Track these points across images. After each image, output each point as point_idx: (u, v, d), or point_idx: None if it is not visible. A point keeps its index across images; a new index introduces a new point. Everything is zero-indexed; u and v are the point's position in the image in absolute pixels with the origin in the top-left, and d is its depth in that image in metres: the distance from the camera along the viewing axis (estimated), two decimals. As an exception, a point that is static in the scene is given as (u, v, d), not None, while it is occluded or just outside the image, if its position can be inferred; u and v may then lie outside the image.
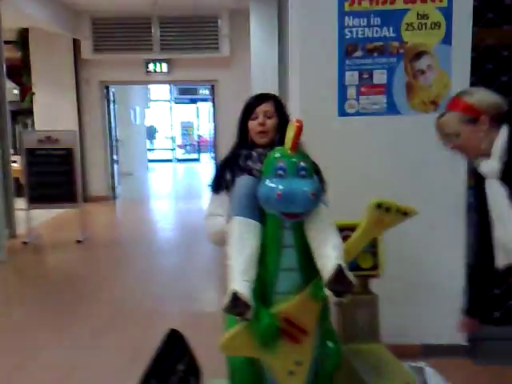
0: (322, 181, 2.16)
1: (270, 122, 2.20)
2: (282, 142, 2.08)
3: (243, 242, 1.75)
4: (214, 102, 10.33)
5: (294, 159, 1.70)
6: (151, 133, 20.78)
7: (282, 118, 2.24)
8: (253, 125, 2.22)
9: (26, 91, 9.70)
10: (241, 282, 1.66)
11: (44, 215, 7.57)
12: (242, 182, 1.92)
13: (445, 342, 2.98)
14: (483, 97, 2.04)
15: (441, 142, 2.15)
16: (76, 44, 9.47)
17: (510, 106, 2.06)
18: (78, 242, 6.41)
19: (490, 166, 2.01)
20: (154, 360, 2.28)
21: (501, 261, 2.10)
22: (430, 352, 2.94)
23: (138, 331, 3.60)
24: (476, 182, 2.17)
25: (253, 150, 2.23)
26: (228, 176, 2.25)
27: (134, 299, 4.41)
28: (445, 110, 2.11)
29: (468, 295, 2.29)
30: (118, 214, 9.56)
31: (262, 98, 2.26)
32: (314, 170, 2.03)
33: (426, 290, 2.98)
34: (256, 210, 1.80)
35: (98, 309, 4.16)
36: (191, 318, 3.83)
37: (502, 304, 3.12)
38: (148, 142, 19.18)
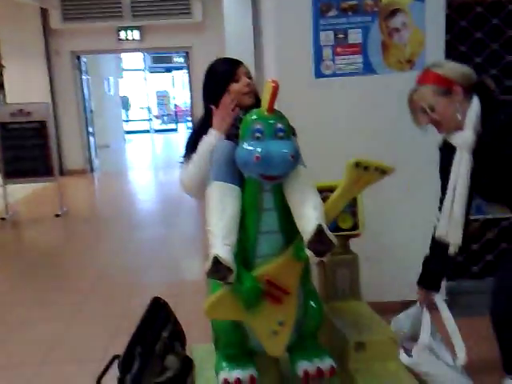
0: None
1: (252, 82, 2.18)
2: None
3: (223, 206, 1.73)
4: (189, 70, 10.18)
5: (271, 121, 1.68)
6: (125, 103, 20.48)
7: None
8: (237, 87, 2.15)
9: (-6, 64, 9.43)
10: (222, 247, 1.66)
11: (21, 191, 7.46)
12: (220, 146, 1.90)
13: (424, 297, 3.04)
14: (453, 67, 2.03)
15: (415, 119, 2.14)
16: (44, 13, 9.19)
17: (479, 76, 2.05)
18: (57, 216, 6.35)
19: (464, 137, 1.99)
20: (138, 328, 2.29)
21: (440, 228, 2.13)
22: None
23: (121, 302, 3.60)
24: (442, 157, 2.17)
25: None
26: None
27: (115, 271, 4.41)
28: (416, 85, 2.09)
29: (424, 266, 2.35)
30: (97, 187, 9.48)
31: (237, 61, 2.20)
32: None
33: (405, 249, 3.03)
34: (235, 174, 1.78)
35: (79, 282, 4.15)
36: (174, 286, 3.84)
37: (479, 258, 3.19)
38: (123, 112, 18.93)
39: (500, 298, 2.24)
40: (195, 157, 2.09)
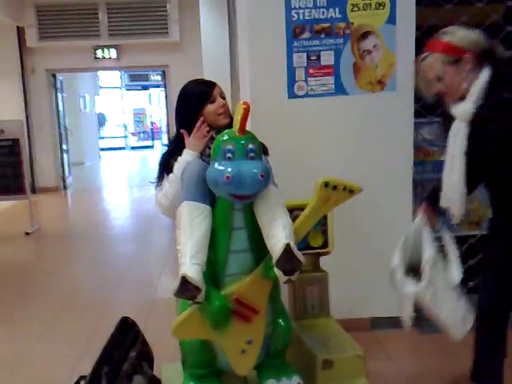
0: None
1: (226, 102, 2.20)
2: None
3: (193, 226, 1.74)
4: (165, 88, 10.20)
5: (242, 141, 1.71)
6: (100, 121, 20.43)
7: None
8: (213, 108, 2.14)
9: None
10: (191, 266, 1.66)
11: (-9, 208, 7.35)
12: (191, 166, 1.90)
13: (392, 314, 3.07)
14: (464, 34, 1.96)
15: (423, 87, 2.05)
16: (20, 32, 9.14)
17: (490, 45, 1.99)
18: (27, 234, 6.24)
19: (463, 109, 1.94)
20: (105, 348, 2.27)
21: (442, 199, 2.09)
22: (378, 324, 3.04)
23: (91, 321, 3.54)
24: (444, 127, 2.08)
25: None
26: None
27: (86, 290, 4.34)
28: (425, 52, 1.98)
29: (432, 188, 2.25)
30: (69, 205, 9.36)
31: (212, 83, 2.21)
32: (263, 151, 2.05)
33: (374, 266, 3.04)
34: (206, 193, 1.79)
35: (48, 300, 4.07)
36: (145, 305, 3.79)
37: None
38: (99, 129, 18.92)
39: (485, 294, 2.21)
40: (171, 176, 2.07)
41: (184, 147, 2.11)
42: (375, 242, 3.04)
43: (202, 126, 2.08)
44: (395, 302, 2.26)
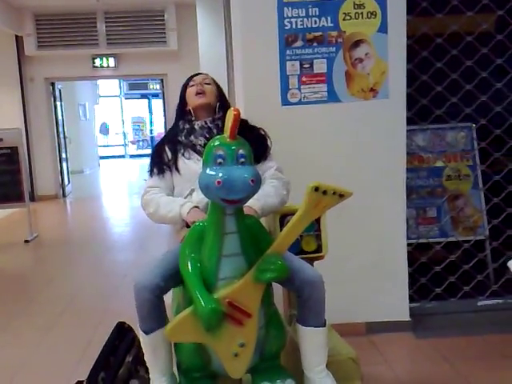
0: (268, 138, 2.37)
1: (208, 87, 2.34)
2: (221, 108, 2.29)
3: (156, 355, 1.97)
4: (164, 96, 10.25)
5: (233, 147, 1.73)
6: (104, 130, 20.63)
7: (220, 90, 2.41)
8: (192, 90, 2.33)
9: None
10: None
11: (-9, 217, 7.37)
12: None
13: (387, 318, 3.10)
14: None
15: None
16: (19, 40, 9.21)
17: None
18: (26, 241, 6.27)
19: None
20: (102, 353, 2.29)
21: None
22: (374, 329, 3.06)
23: (89, 327, 3.56)
24: None
25: (191, 124, 2.29)
26: (169, 155, 2.28)
27: (83, 297, 4.36)
28: None
29: None
30: (68, 213, 9.38)
31: (199, 72, 2.48)
32: (262, 136, 2.31)
33: (369, 271, 3.08)
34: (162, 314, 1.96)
35: (46, 307, 4.09)
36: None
37: (443, 281, 3.26)
38: (103, 137, 19.06)
39: None
40: (162, 204, 2.18)
41: (179, 132, 2.29)
42: (369, 247, 3.07)
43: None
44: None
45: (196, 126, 2.27)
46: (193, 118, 2.33)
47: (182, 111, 2.37)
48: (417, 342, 3.00)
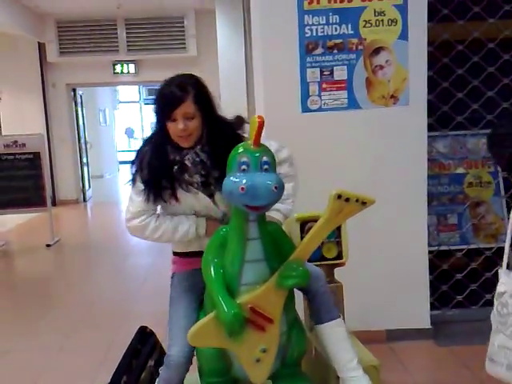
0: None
1: (192, 125, 1.99)
2: (211, 137, 2.04)
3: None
4: (183, 103, 10.34)
5: (256, 154, 1.75)
6: (130, 134, 21.18)
7: (206, 111, 2.03)
8: (173, 128, 1.99)
9: (-9, 96, 9.57)
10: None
11: (13, 221, 7.48)
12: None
13: (409, 326, 3.09)
14: None
15: None
16: (41, 47, 9.37)
17: None
18: (48, 246, 6.36)
19: None
20: (124, 357, 2.32)
21: None
22: (395, 336, 3.06)
23: (110, 330, 3.60)
24: None
25: (182, 156, 2.03)
26: (168, 191, 2.05)
27: (105, 300, 4.41)
28: None
29: None
30: (89, 217, 9.49)
31: (178, 99, 1.97)
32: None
33: (390, 278, 3.08)
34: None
35: (68, 311, 4.15)
36: (163, 315, 3.82)
37: (464, 289, 3.24)
38: (128, 140, 19.51)
39: None
40: (171, 229, 2.08)
41: (171, 164, 2.03)
42: (390, 254, 3.07)
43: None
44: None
45: (187, 163, 2.04)
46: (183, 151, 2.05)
47: (163, 132, 2.05)
48: (438, 350, 2.98)
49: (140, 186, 2.06)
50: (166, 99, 2.01)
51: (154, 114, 2.08)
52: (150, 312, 3.98)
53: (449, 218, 3.64)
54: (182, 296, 2.11)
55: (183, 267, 2.21)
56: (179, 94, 1.98)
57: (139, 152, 2.12)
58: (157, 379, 2.03)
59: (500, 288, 1.93)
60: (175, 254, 2.26)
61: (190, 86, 2.03)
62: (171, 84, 2.03)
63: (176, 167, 2.04)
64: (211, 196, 2.06)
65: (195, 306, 2.05)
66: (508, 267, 1.96)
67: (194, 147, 2.04)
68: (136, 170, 2.08)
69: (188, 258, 2.17)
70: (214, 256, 1.84)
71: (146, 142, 2.15)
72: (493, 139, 1.87)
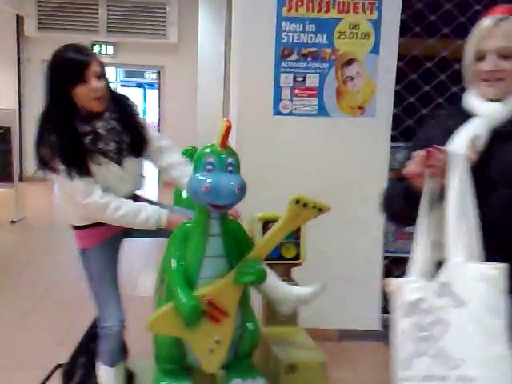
0: None
1: (102, 84, 1.95)
2: (116, 103, 2.07)
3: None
4: (159, 88, 10.32)
5: (223, 155, 1.84)
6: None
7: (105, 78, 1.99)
8: (85, 91, 1.92)
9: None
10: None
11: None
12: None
13: (360, 327, 3.23)
14: None
15: (469, 62, 1.56)
16: (19, 20, 9.21)
17: None
18: (13, 222, 6.33)
19: (494, 109, 1.48)
20: (83, 339, 2.40)
21: None
22: (346, 336, 3.19)
23: (70, 312, 3.64)
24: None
25: (92, 125, 1.98)
26: (81, 163, 1.98)
27: (66, 281, 4.42)
28: (502, 16, 1.49)
29: None
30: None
31: (86, 59, 1.93)
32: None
33: (345, 279, 3.20)
34: None
35: (30, 289, 4.15)
36: (124, 301, 3.90)
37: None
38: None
39: None
40: (134, 209, 2.06)
41: (80, 136, 1.96)
42: (347, 257, 3.20)
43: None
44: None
45: (100, 131, 1.99)
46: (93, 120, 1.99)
47: (65, 103, 1.95)
48: (386, 351, 3.11)
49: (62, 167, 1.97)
50: (74, 62, 1.93)
51: (51, 87, 1.97)
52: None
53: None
54: (105, 269, 2.21)
55: (98, 238, 2.18)
56: (86, 54, 1.96)
57: (41, 134, 2.04)
58: (97, 358, 2.19)
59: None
60: (79, 227, 2.19)
61: (88, 50, 2.04)
62: (70, 50, 1.97)
63: (89, 138, 1.97)
64: (120, 164, 2.06)
65: (117, 275, 2.23)
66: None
67: (103, 114, 2.00)
68: (50, 155, 1.99)
69: (99, 228, 2.14)
70: (177, 249, 1.93)
71: (45, 121, 2.05)
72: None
